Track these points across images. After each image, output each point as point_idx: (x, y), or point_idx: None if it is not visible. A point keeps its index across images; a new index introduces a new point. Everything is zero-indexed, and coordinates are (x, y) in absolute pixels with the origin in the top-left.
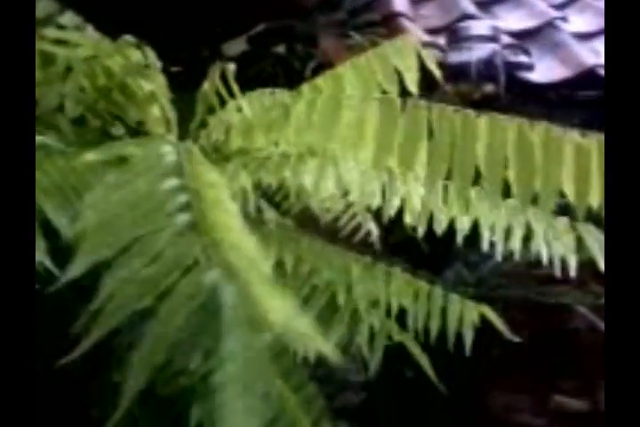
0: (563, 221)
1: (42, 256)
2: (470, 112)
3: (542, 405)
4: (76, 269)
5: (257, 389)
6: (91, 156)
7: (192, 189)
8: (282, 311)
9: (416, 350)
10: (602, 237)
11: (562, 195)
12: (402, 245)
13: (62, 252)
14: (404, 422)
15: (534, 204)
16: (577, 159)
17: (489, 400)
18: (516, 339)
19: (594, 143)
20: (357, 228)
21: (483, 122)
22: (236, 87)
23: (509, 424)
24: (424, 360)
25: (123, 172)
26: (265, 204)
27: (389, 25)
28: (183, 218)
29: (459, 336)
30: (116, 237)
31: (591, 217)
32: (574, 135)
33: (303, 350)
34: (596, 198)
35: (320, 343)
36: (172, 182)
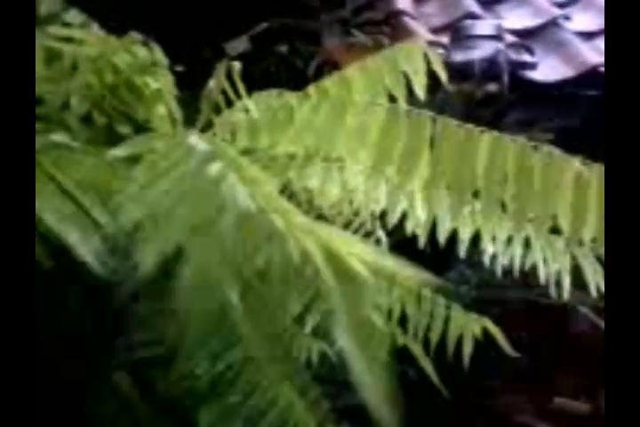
0: (560, 242)
1: (101, 250)
2: (473, 128)
3: (543, 407)
4: (149, 262)
5: (370, 334)
6: (116, 152)
7: (236, 170)
8: (369, 255)
9: (419, 353)
10: (595, 263)
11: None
12: (404, 244)
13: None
14: (404, 422)
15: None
16: (576, 189)
17: (489, 402)
18: (515, 354)
19: (594, 174)
20: (366, 234)
21: (485, 139)
22: (241, 86)
23: (510, 426)
24: (427, 363)
25: (149, 167)
26: None
27: (392, 23)
28: (243, 195)
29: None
30: (177, 225)
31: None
32: (575, 163)
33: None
34: (590, 231)
35: (409, 274)
36: (217, 166)
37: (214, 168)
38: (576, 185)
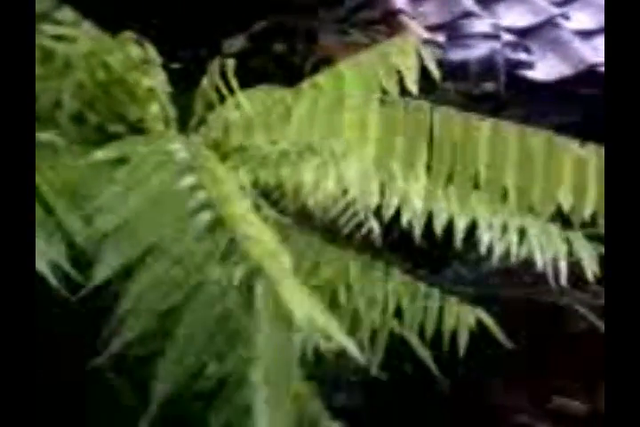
0: (555, 227)
1: (62, 261)
2: (472, 116)
3: (541, 406)
4: (103, 273)
5: (286, 389)
6: (99, 154)
7: (208, 186)
8: (305, 307)
9: (418, 347)
10: (589, 245)
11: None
12: (401, 243)
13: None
14: (401, 423)
15: (531, 210)
16: (575, 171)
17: (488, 402)
18: (510, 344)
19: (593, 155)
20: (358, 226)
21: (485, 127)
22: (235, 83)
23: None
24: (426, 356)
25: (131, 171)
26: (263, 202)
27: (389, 22)
28: (205, 216)
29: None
30: (138, 238)
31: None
32: (574, 146)
33: (324, 345)
34: (590, 209)
35: (341, 338)
36: (189, 180)
37: (187, 181)
38: (576, 168)
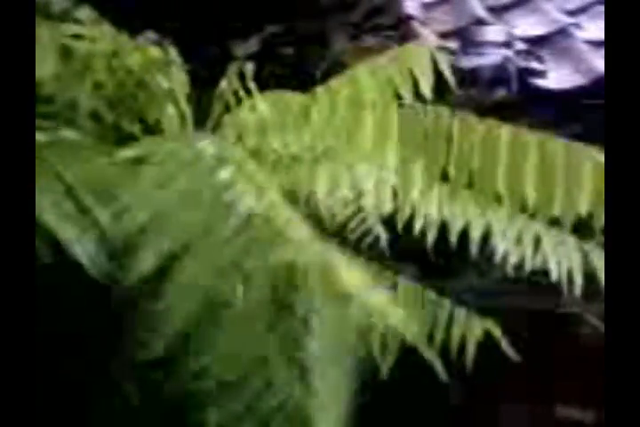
0: (572, 239)
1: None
2: (493, 123)
3: (546, 415)
4: (145, 262)
5: (345, 362)
6: (124, 153)
7: (242, 180)
8: (360, 285)
9: (428, 353)
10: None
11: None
12: (412, 251)
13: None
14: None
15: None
16: (595, 178)
17: (490, 409)
18: (517, 357)
19: None
20: (366, 233)
21: (504, 134)
22: (253, 87)
23: None
24: (436, 361)
25: (157, 169)
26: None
27: (401, 28)
28: (245, 206)
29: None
30: (178, 230)
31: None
32: (594, 152)
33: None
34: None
35: (396, 318)
36: (225, 174)
37: (224, 174)
38: (595, 175)
